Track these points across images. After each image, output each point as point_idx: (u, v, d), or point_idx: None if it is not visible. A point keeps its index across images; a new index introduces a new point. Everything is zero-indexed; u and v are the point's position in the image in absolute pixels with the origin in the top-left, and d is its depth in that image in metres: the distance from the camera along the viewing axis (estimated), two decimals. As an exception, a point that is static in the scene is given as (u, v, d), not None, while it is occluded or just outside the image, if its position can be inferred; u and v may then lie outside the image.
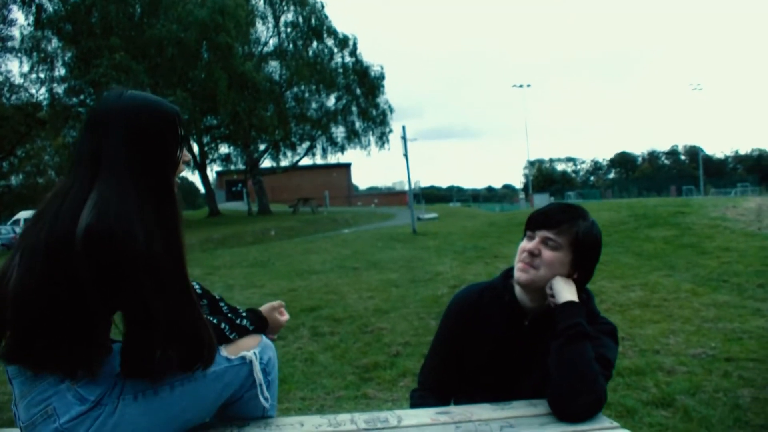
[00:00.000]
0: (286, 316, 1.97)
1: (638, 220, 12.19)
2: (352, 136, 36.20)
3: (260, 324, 1.87)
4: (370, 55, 69.70)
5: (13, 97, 28.90)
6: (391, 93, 65.21)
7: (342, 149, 36.83)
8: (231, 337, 1.74)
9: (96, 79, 25.26)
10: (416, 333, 5.73)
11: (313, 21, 33.95)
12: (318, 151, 37.49)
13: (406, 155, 15.43)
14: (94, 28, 27.14)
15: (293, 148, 37.18)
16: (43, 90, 30.05)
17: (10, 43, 29.52)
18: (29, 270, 1.43)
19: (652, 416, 3.55)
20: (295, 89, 35.05)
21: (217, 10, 26.57)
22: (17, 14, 29.75)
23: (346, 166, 57.94)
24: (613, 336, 1.84)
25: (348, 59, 35.31)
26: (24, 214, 44.31)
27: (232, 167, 41.25)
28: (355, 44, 35.06)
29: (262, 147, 36.85)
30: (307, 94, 35.59)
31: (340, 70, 35.07)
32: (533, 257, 1.83)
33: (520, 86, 75.83)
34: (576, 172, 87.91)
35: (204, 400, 1.64)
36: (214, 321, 1.73)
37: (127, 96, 1.54)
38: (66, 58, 28.54)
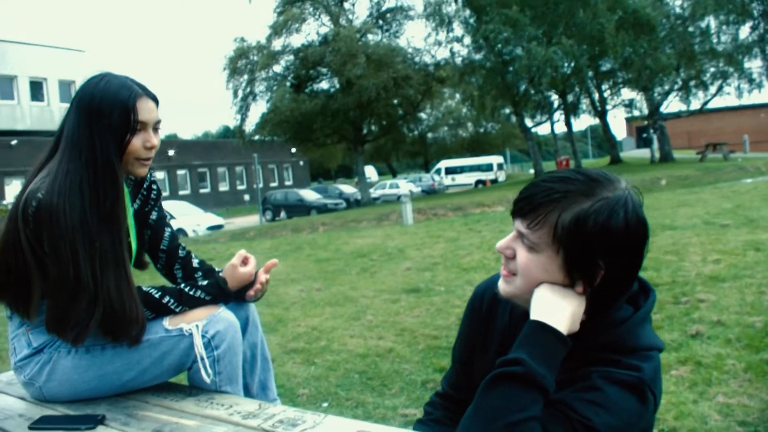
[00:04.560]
0: (248, 267, 1.90)
1: None
2: (773, 71, 30.75)
3: (219, 294, 1.82)
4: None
5: (415, 58, 31.76)
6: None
7: (759, 86, 31.59)
8: (177, 310, 1.75)
9: (487, 35, 26.30)
10: (740, 311, 4.59)
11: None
12: (731, 90, 32.92)
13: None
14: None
15: (704, 88, 33.36)
16: (441, 50, 32.37)
17: (411, 12, 32.14)
18: (5, 227, 1.68)
19: None
20: (700, 23, 31.04)
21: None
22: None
23: (779, 106, 49.78)
24: (633, 391, 1.11)
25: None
26: (444, 163, 49.38)
27: (636, 113, 39.10)
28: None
29: (665, 89, 33.86)
30: (713, 27, 31.25)
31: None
32: (507, 261, 1.22)
33: None
34: None
35: (140, 365, 1.70)
36: (157, 294, 1.74)
37: (96, 79, 1.69)
38: (461, 19, 30.24)
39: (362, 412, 3.53)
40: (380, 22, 32.50)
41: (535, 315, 1.15)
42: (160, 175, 38.71)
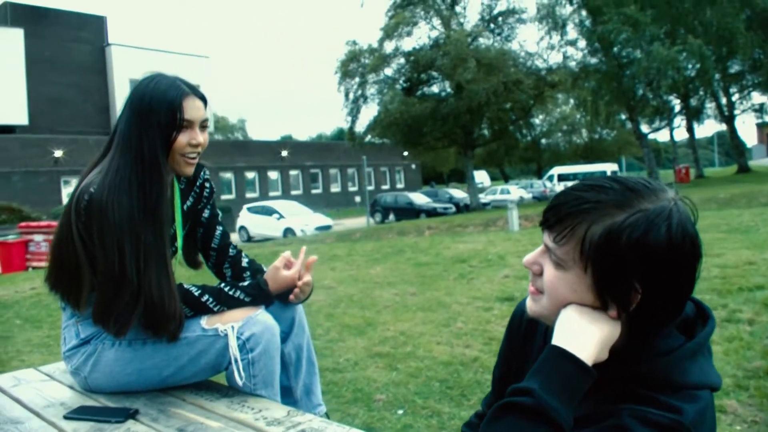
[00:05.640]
0: (291, 271, 1.87)
1: None
2: None
3: (259, 295, 1.81)
4: None
5: (527, 63, 30.91)
6: None
7: None
8: (215, 309, 1.75)
9: (604, 36, 25.29)
10: None
11: None
12: None
13: None
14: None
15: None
16: (554, 54, 31.23)
17: (524, 15, 31.28)
18: (60, 221, 1.76)
19: None
20: None
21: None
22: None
23: None
24: None
25: None
26: (557, 170, 48.15)
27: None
28: None
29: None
30: None
31: None
32: (535, 277, 1.09)
33: None
34: None
35: (177, 362, 1.72)
36: (197, 292, 1.75)
37: (147, 80, 1.74)
38: (576, 21, 29.25)
39: (437, 422, 3.43)
40: (491, 25, 31.92)
41: (556, 339, 1.01)
42: (273, 175, 40.04)
